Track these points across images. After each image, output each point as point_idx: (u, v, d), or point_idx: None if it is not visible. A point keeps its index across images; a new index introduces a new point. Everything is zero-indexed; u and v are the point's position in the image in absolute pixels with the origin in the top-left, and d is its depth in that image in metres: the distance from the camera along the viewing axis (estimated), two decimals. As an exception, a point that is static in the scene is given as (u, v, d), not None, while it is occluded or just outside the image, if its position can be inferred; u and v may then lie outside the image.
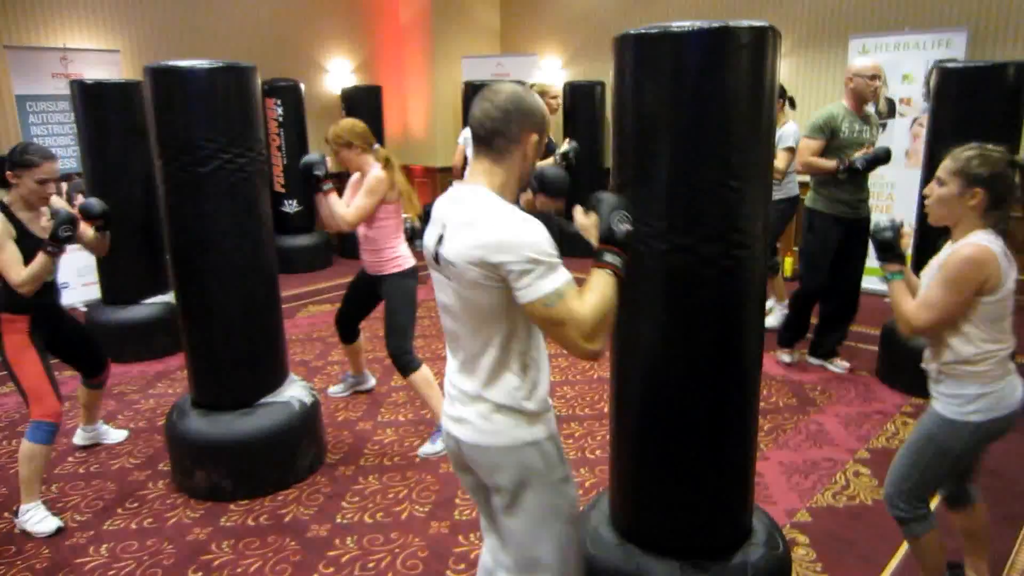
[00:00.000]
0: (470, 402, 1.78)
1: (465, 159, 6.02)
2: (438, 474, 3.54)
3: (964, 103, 3.97)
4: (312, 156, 3.57)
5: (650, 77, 2.03)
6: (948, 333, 2.17)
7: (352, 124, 3.69)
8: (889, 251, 2.31)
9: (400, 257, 3.78)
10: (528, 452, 1.76)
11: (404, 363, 3.70)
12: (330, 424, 4.06)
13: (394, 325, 3.73)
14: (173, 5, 7.20)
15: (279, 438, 3.36)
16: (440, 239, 1.73)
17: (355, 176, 3.80)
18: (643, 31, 2.00)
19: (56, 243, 2.98)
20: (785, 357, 4.83)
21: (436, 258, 1.75)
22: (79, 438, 3.86)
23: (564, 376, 4.73)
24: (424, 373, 3.72)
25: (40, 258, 2.96)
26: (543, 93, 4.88)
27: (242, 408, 3.36)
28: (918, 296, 2.23)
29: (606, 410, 4.04)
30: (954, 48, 5.82)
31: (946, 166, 2.18)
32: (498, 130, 1.69)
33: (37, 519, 3.09)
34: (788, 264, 6.93)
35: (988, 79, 3.94)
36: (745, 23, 1.93)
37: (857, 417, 4.06)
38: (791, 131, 4.95)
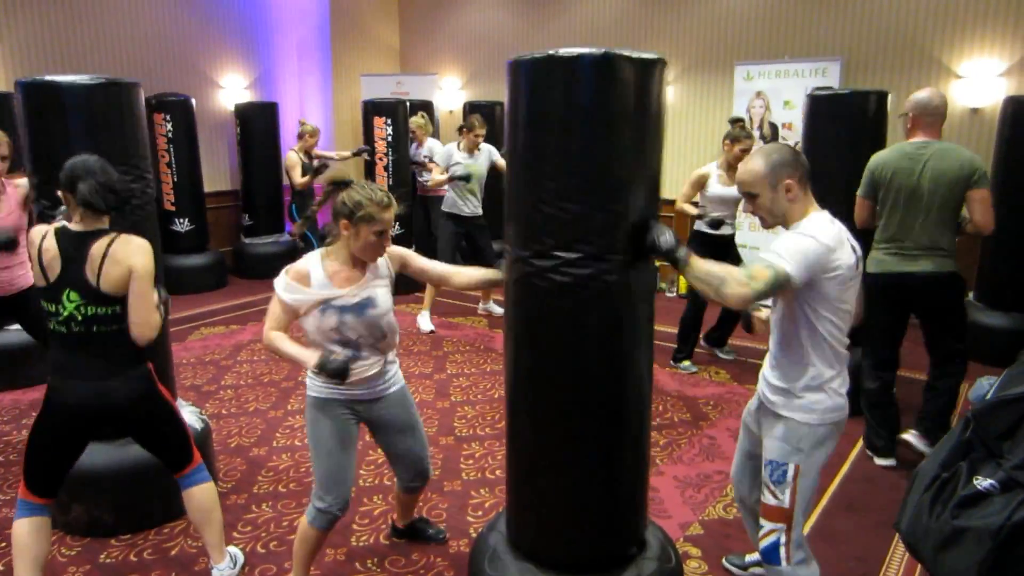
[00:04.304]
0: None
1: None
2: (335, 499, 3.45)
3: (834, 127, 4.22)
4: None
5: (540, 101, 2.07)
6: None
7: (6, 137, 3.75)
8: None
9: None
10: None
11: None
12: (222, 451, 3.91)
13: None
14: (51, 15, 6.83)
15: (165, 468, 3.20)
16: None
17: None
18: (535, 56, 2.04)
19: None
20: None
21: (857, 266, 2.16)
22: None
23: (465, 396, 4.71)
24: None
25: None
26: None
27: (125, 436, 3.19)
28: None
29: (506, 429, 4.04)
30: (830, 76, 6.20)
31: None
32: None
33: None
34: (683, 282, 7.19)
35: (853, 105, 4.21)
36: (632, 53, 2.00)
37: (746, 429, 4.20)
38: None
